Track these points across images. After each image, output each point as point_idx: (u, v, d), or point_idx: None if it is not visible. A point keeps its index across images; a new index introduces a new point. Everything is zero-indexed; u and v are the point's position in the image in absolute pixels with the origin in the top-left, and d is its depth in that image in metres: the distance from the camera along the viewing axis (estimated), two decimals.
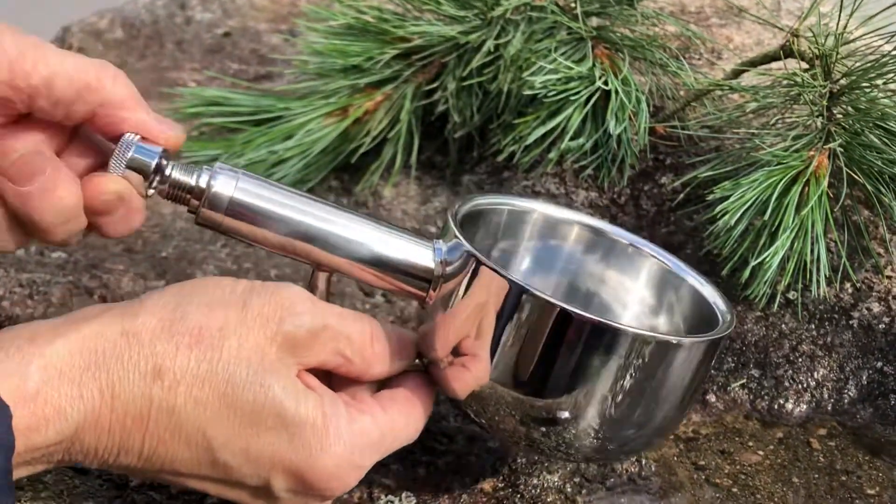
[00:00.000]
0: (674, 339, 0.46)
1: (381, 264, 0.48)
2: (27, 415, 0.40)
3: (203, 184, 0.47)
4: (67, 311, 0.59)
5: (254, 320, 0.44)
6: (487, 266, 0.45)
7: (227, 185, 0.47)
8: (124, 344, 0.43)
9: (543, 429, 0.46)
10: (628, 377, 0.44)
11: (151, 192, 0.47)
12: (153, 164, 0.46)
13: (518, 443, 0.49)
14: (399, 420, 0.47)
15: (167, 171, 0.47)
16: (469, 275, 0.46)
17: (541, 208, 0.56)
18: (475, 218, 0.53)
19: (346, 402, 0.46)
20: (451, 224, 0.48)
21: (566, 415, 0.45)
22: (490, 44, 0.71)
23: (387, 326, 0.49)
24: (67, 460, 0.43)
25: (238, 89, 0.79)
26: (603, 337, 0.44)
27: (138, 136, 0.46)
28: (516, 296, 0.45)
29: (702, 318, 0.51)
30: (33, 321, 0.44)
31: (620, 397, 0.45)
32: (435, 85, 0.74)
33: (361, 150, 0.74)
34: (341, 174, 0.77)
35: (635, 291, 0.55)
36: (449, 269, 0.47)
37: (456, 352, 0.47)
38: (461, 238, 0.47)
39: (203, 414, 0.43)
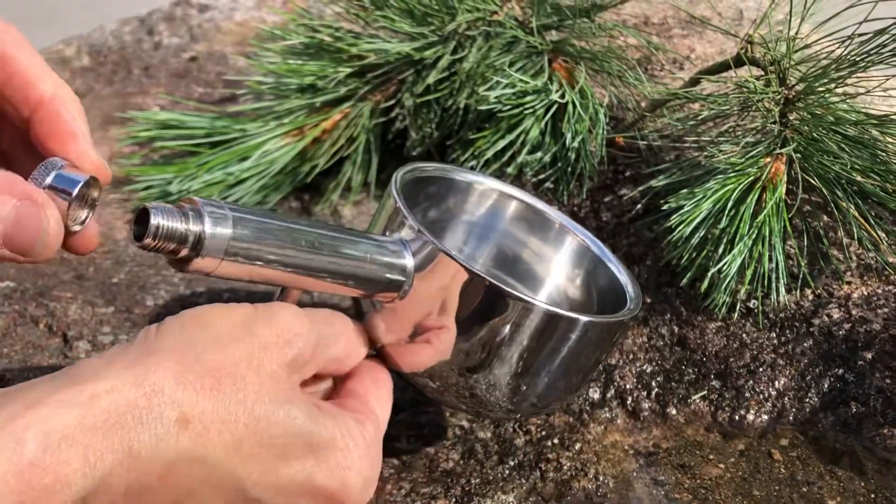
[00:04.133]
0: (573, 315, 0.49)
1: (364, 280, 0.47)
2: (21, 488, 0.36)
3: (196, 228, 0.41)
4: (11, 341, 0.59)
5: (264, 350, 0.43)
6: (450, 256, 0.47)
7: (223, 226, 0.42)
8: (142, 399, 0.39)
9: (482, 389, 0.49)
10: (537, 347, 0.48)
11: (78, 228, 0.43)
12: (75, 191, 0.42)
13: (458, 404, 0.51)
14: (382, 413, 0.48)
15: (154, 220, 0.40)
16: (434, 265, 0.47)
17: (479, 180, 0.59)
18: (415, 185, 0.54)
19: (350, 412, 0.46)
20: (400, 206, 0.49)
21: (497, 379, 0.49)
22: (446, 59, 0.71)
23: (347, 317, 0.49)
24: None
25: (193, 111, 0.79)
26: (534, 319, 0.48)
27: (66, 163, 0.43)
28: (477, 287, 0.47)
29: (617, 302, 0.54)
30: (29, 382, 0.39)
31: (526, 364, 0.48)
32: (392, 102, 0.73)
33: (318, 170, 0.73)
34: (301, 194, 0.76)
35: (557, 267, 0.60)
36: (418, 263, 0.48)
37: (417, 332, 0.48)
38: (423, 230, 0.48)
39: (233, 457, 0.42)
